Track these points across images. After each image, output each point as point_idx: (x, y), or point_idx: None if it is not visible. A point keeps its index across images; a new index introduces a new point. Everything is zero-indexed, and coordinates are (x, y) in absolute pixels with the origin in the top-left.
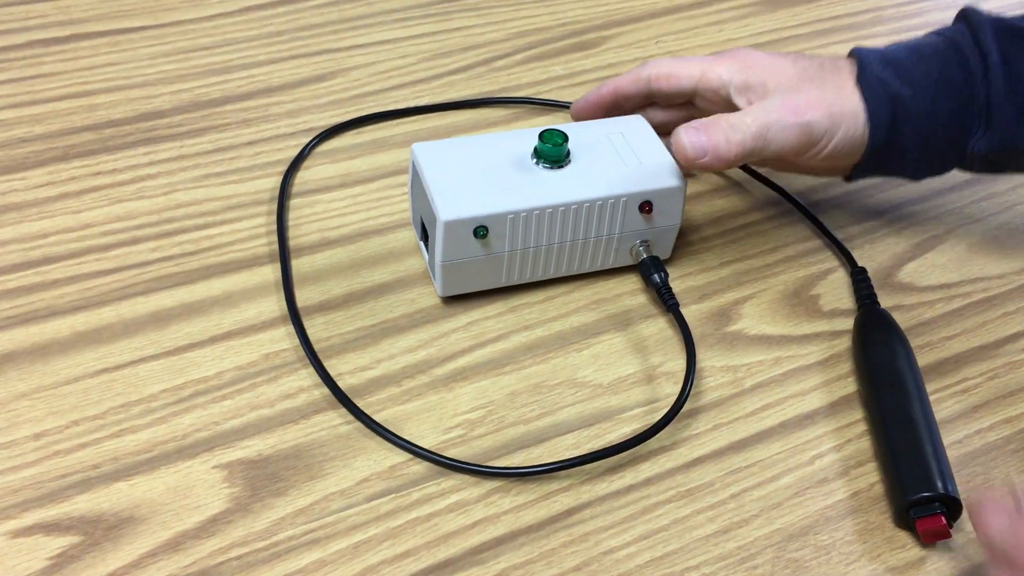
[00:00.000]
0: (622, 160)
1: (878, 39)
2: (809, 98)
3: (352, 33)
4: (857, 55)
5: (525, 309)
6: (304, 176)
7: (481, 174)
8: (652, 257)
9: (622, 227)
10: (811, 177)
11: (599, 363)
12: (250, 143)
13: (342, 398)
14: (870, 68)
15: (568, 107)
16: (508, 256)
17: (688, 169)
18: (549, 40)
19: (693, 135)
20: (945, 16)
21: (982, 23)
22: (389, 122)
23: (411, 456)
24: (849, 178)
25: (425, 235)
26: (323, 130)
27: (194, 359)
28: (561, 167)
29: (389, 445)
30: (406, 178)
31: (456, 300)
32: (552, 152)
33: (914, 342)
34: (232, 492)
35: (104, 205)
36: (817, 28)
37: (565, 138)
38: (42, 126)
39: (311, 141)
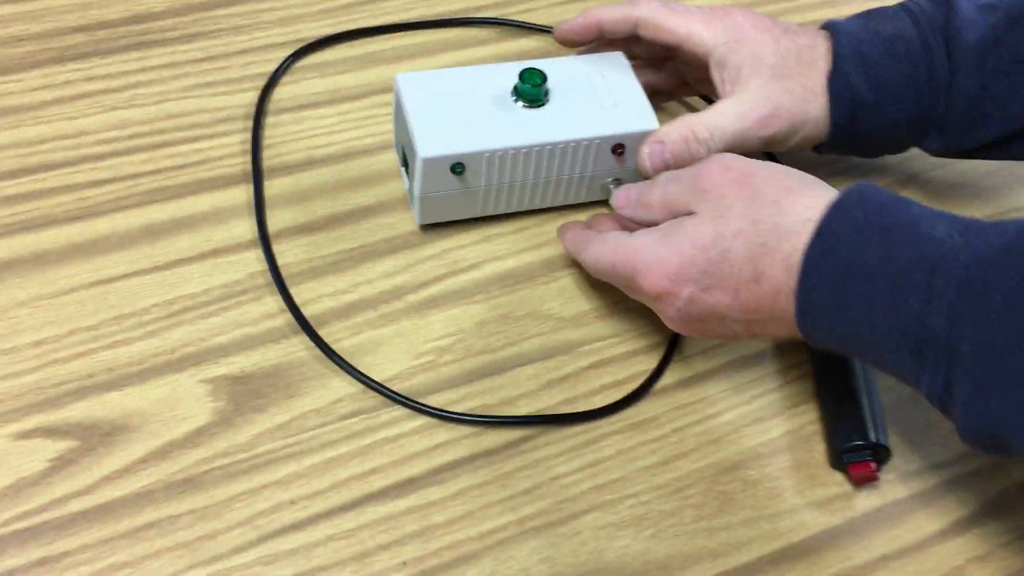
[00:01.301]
0: (599, 101)
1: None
2: (779, 105)
3: None
4: (834, 45)
5: (498, 239)
6: (294, 90)
7: (461, 111)
8: None
9: (594, 167)
10: None
11: (564, 297)
12: (241, 52)
13: (306, 327)
14: (842, 68)
15: (550, 31)
16: (484, 191)
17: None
18: None
19: (656, 152)
20: None
21: (961, 28)
22: (380, 36)
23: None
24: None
25: (406, 163)
26: (299, 47)
27: (183, 275)
28: (539, 107)
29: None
30: (392, 96)
31: (433, 228)
32: (530, 92)
33: None
34: (216, 406)
35: (99, 112)
36: None
37: (544, 78)
38: (38, 24)
39: (287, 58)
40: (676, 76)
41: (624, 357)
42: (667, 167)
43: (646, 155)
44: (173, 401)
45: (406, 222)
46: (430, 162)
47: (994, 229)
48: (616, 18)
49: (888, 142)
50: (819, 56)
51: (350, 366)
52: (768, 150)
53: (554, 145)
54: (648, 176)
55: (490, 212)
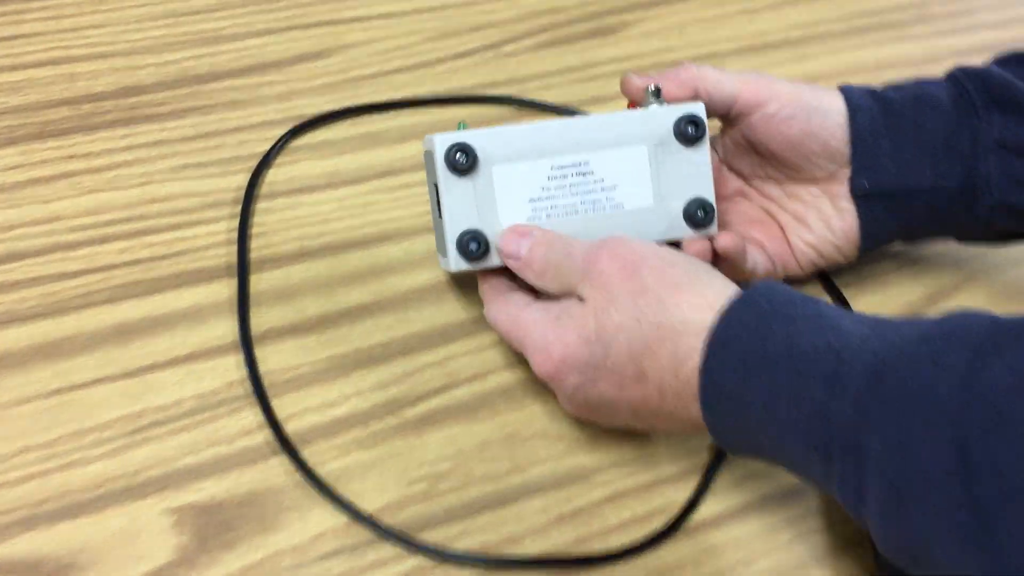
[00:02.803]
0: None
1: (920, 42)
2: (771, 80)
3: (353, 2)
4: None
5: (505, 345)
6: (289, 172)
7: None
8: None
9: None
10: None
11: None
12: (235, 129)
13: (287, 447)
14: (852, 89)
15: (569, 111)
16: None
17: None
18: (564, 23)
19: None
20: (998, 17)
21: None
22: (384, 114)
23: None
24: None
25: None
26: (296, 124)
27: (154, 383)
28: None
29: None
30: (397, 180)
31: (432, 333)
32: None
33: None
34: (180, 542)
35: (75, 195)
36: (857, 24)
37: None
38: (19, 96)
39: (282, 137)
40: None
41: (647, 488)
42: None
43: None
44: (131, 535)
45: (403, 324)
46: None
47: (907, 323)
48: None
49: (925, 159)
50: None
51: (335, 494)
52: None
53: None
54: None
55: None
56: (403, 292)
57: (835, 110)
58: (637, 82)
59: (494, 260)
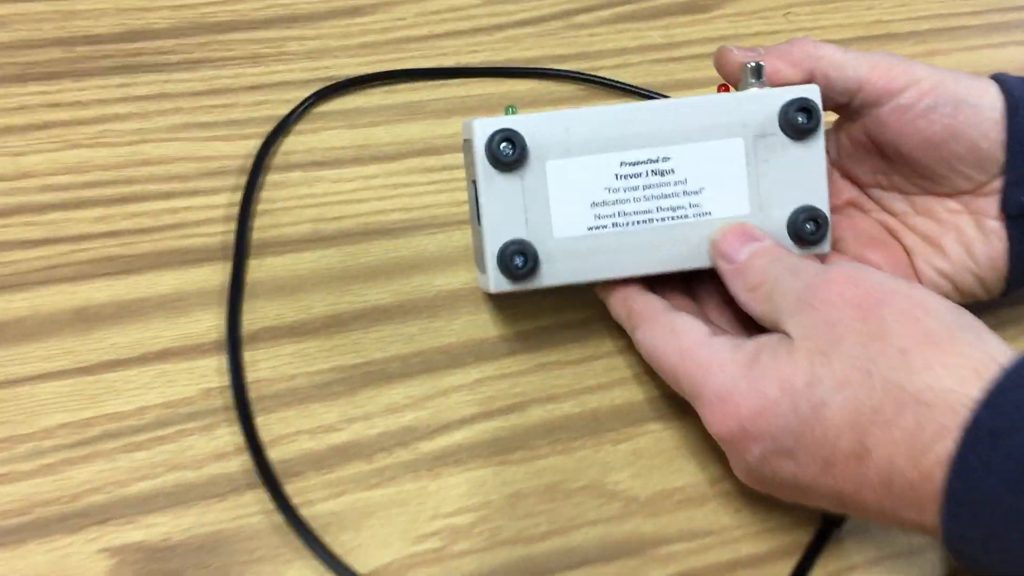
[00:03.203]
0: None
1: None
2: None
3: None
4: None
5: (555, 370)
6: (310, 141)
7: None
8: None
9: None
10: None
11: (640, 464)
12: (253, 87)
13: (268, 480)
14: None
15: (650, 94)
16: None
17: None
18: None
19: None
20: None
21: None
22: (430, 82)
23: None
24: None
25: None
26: (324, 86)
27: (114, 384)
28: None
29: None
30: (437, 160)
31: (467, 347)
32: None
33: None
34: None
35: (53, 149)
36: (997, 20)
37: None
38: (4, 32)
39: (307, 99)
40: None
41: (723, 570)
42: None
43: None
44: None
45: (430, 334)
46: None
47: None
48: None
49: None
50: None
51: (322, 546)
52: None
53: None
54: None
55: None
56: (432, 295)
57: (989, 104)
58: (737, 56)
59: (545, 279)
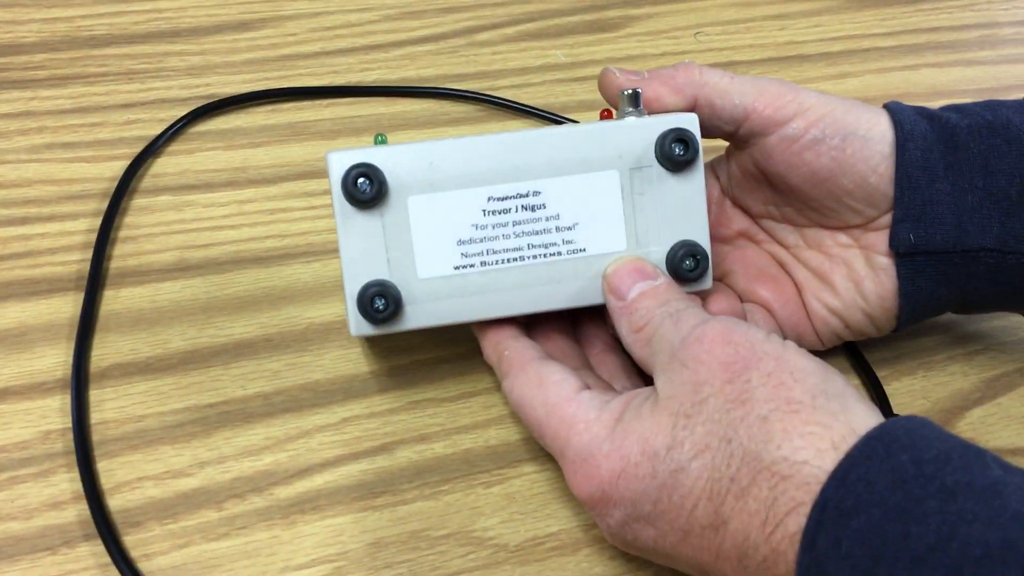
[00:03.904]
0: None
1: (984, 68)
2: (796, 91)
3: None
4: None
5: (430, 408)
6: (182, 163)
7: None
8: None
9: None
10: None
11: (512, 509)
12: (125, 105)
13: (104, 530)
14: (903, 110)
15: (548, 116)
16: None
17: None
18: (557, 12)
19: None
20: None
21: None
22: (317, 101)
23: None
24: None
25: None
26: (205, 103)
27: None
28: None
29: None
30: (319, 184)
31: (335, 383)
32: None
33: None
34: None
35: None
36: (909, 42)
37: None
38: None
39: (181, 119)
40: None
41: None
42: None
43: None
44: None
45: (297, 370)
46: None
47: None
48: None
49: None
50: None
51: None
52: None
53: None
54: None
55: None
56: (303, 328)
57: (879, 135)
58: (619, 79)
59: (409, 322)
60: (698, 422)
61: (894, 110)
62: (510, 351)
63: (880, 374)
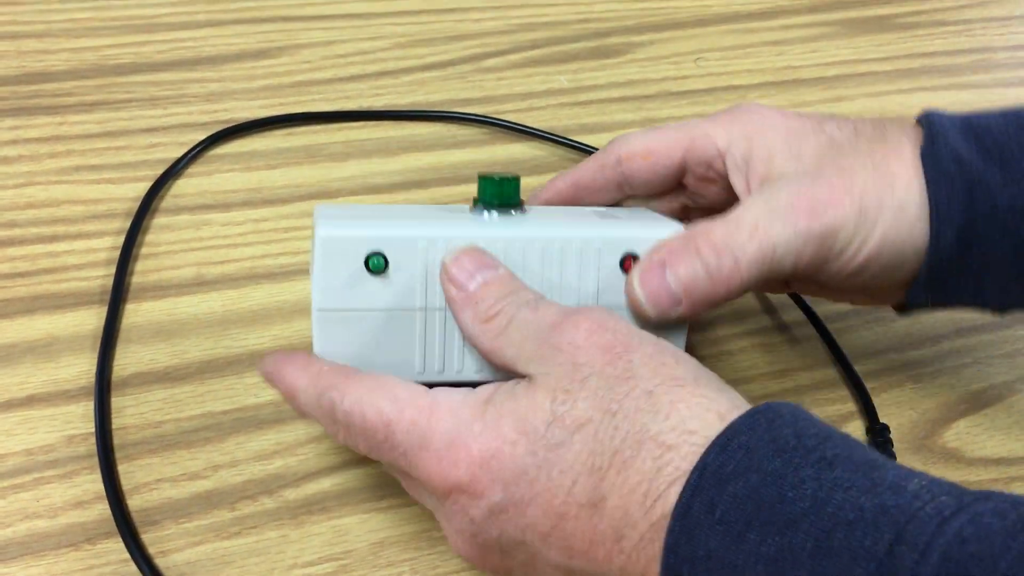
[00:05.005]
0: (598, 214)
1: (977, 91)
2: (832, 187)
3: None
4: (926, 120)
5: None
6: (201, 184)
7: (394, 213)
8: None
9: (597, 295)
10: None
11: None
12: (148, 129)
13: (124, 528)
14: (942, 138)
15: (553, 138)
16: (422, 315)
17: (658, 322)
18: (561, 40)
19: (652, 278)
20: None
21: None
22: (330, 125)
23: None
24: (903, 308)
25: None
26: (223, 127)
27: None
28: (510, 211)
29: None
30: (329, 205)
31: None
32: (498, 191)
33: None
34: None
35: None
36: (904, 67)
37: (516, 178)
38: None
39: (200, 142)
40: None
41: None
42: (674, 303)
43: (637, 283)
44: None
45: None
46: (334, 244)
47: (993, 498)
48: (594, 167)
49: None
50: (895, 132)
51: None
52: (834, 267)
53: (527, 241)
54: (645, 317)
55: (433, 374)
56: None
57: (918, 231)
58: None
59: None
60: (579, 397)
61: (934, 194)
62: (324, 368)
63: (868, 386)
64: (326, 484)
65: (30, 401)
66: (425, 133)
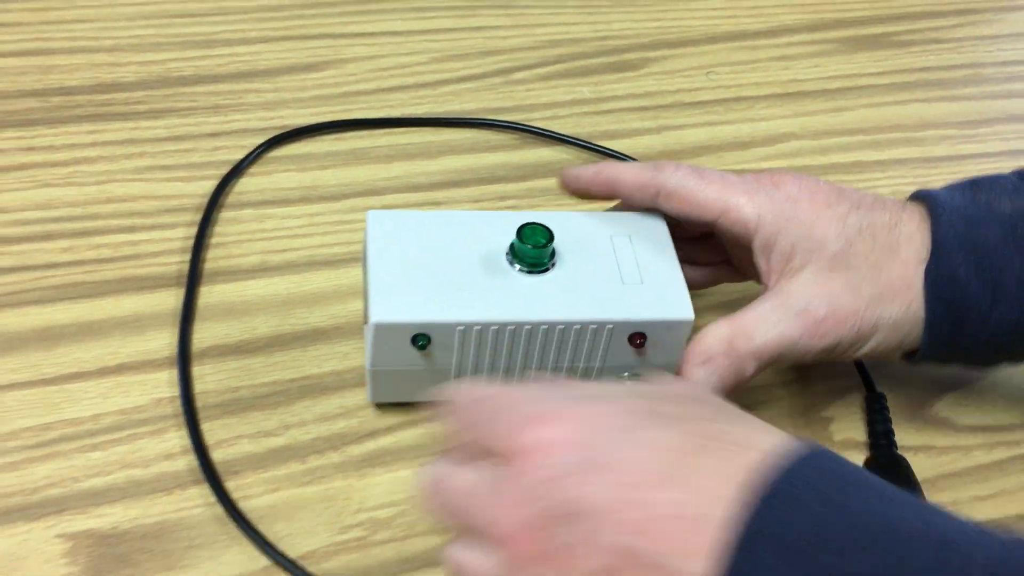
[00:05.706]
0: (619, 273)
1: (968, 103)
2: (838, 306)
3: (360, 18)
4: (932, 225)
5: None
6: (262, 183)
7: (437, 268)
8: None
9: (604, 358)
10: None
11: None
12: (212, 134)
13: (209, 476)
14: (944, 257)
15: (576, 143)
16: (456, 371)
17: None
18: (582, 55)
19: (695, 373)
20: None
21: None
22: (375, 131)
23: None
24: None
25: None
26: (280, 132)
27: (74, 393)
28: (541, 272)
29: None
30: (378, 200)
31: None
32: (530, 255)
33: (938, 497)
34: (69, 572)
35: (27, 188)
36: (900, 80)
37: (549, 238)
38: None
39: (260, 145)
40: (718, 256)
41: None
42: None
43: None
44: (16, 559)
45: (363, 353)
46: (384, 329)
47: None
48: (635, 183)
49: (1010, 350)
50: (906, 239)
51: (256, 532)
52: (833, 360)
53: (552, 325)
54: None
55: None
56: None
57: (912, 338)
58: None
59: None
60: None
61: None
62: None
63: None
64: (384, 442)
65: (121, 369)
66: (461, 138)
